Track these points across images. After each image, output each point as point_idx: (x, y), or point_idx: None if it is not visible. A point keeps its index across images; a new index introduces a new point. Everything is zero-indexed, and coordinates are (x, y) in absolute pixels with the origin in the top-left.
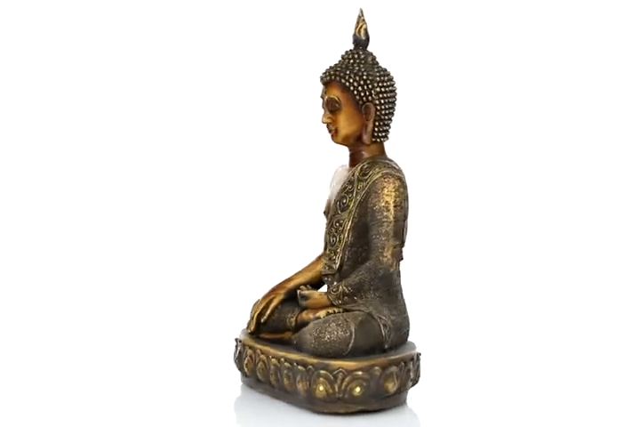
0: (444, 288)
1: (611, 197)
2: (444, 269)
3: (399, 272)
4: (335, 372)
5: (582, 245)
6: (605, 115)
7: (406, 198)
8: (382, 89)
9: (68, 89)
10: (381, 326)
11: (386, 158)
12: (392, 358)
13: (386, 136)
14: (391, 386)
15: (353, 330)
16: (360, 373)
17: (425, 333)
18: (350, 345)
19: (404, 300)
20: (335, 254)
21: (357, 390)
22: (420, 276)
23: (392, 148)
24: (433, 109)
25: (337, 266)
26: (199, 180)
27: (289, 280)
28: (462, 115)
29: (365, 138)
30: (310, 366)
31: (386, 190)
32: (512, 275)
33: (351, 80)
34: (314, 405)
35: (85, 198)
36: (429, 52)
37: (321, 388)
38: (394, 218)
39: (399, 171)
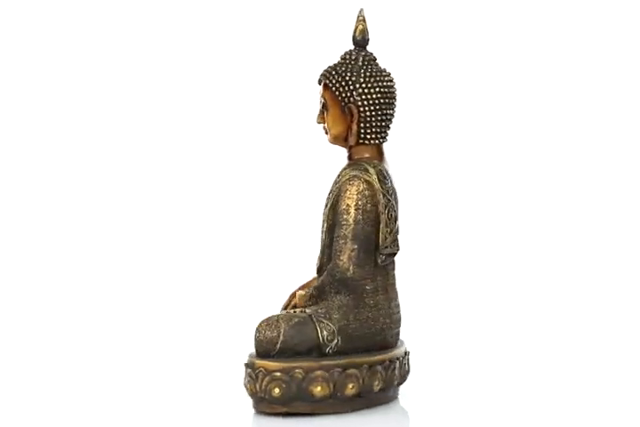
0: (437, 287)
1: (610, 197)
2: (436, 268)
3: (376, 276)
4: (257, 371)
5: (577, 243)
6: (605, 115)
7: (371, 202)
8: (365, 90)
9: (65, 89)
10: (319, 329)
11: (368, 161)
12: (323, 362)
13: (376, 138)
14: (318, 390)
15: (282, 331)
16: (279, 374)
17: (417, 330)
18: (278, 345)
19: (382, 305)
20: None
21: (276, 390)
22: (414, 274)
23: (395, 148)
24: (436, 109)
25: (317, 267)
26: (201, 184)
27: (309, 282)
28: (465, 114)
29: (350, 139)
30: (245, 365)
31: (348, 193)
32: (503, 272)
33: (334, 81)
34: (253, 403)
35: (85, 200)
36: (432, 52)
37: (248, 386)
38: (353, 221)
39: (370, 173)
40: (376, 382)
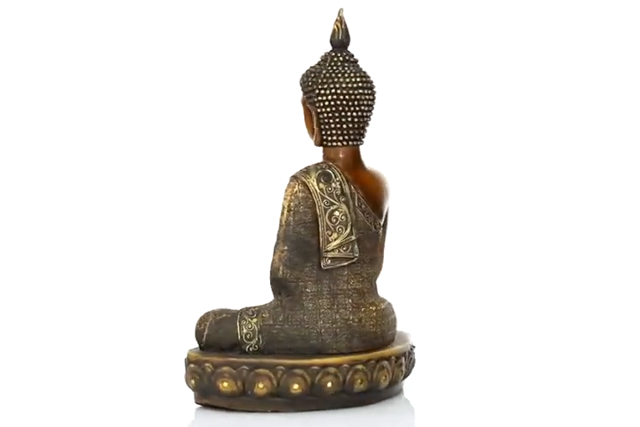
0: (440, 282)
1: (604, 196)
2: (437, 265)
3: (321, 280)
4: (185, 361)
5: (572, 242)
6: (592, 113)
7: (305, 204)
8: (322, 92)
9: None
10: (239, 327)
11: (326, 162)
12: (231, 359)
13: (337, 141)
14: (225, 386)
15: (207, 325)
16: (193, 366)
17: (420, 326)
18: (204, 339)
19: (325, 309)
20: None
21: (192, 382)
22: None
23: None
24: (422, 109)
25: None
26: (195, 187)
27: None
28: (448, 112)
29: (313, 141)
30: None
31: (284, 194)
32: (504, 271)
33: (302, 82)
34: None
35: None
36: (413, 53)
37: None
38: (285, 222)
39: (309, 175)
40: (295, 386)
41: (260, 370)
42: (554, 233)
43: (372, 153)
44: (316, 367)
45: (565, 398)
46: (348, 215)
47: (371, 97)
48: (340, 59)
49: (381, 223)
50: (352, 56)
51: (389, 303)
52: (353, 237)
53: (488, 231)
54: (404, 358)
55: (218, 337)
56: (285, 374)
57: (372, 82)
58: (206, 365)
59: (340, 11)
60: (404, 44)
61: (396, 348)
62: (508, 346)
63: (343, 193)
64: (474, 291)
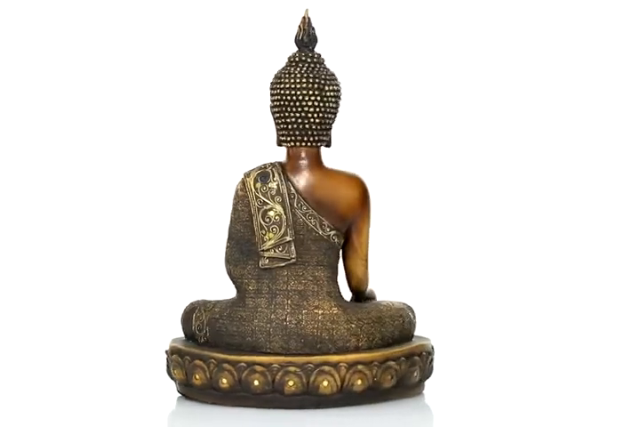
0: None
1: (600, 194)
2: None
3: (262, 278)
4: None
5: (566, 243)
6: (570, 116)
7: (242, 202)
8: (272, 92)
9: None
10: (194, 319)
11: (274, 162)
12: (181, 347)
13: (284, 141)
14: (176, 373)
15: (180, 315)
16: (165, 353)
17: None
18: (182, 329)
19: (262, 309)
20: None
21: (175, 372)
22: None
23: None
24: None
25: None
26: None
27: None
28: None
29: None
30: None
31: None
32: (511, 272)
33: None
34: None
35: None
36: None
37: None
38: (229, 219)
39: (249, 174)
40: (224, 380)
41: (197, 361)
42: (552, 235)
43: (372, 154)
44: (243, 364)
45: (572, 396)
46: (283, 216)
47: (316, 98)
48: (296, 59)
49: (335, 227)
50: (311, 57)
51: (361, 311)
52: (288, 238)
53: (493, 232)
54: (366, 367)
55: (183, 327)
56: (216, 368)
57: (321, 83)
58: (166, 351)
59: (306, 11)
60: (381, 44)
61: (350, 356)
62: (514, 349)
63: (279, 193)
64: (483, 295)
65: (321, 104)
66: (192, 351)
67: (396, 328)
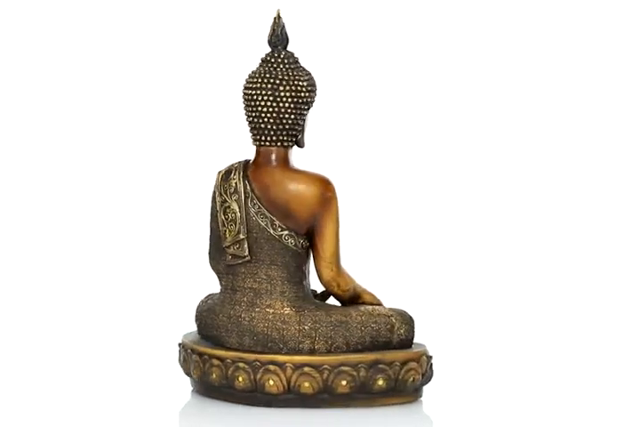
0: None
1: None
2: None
3: (228, 275)
4: None
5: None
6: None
7: (212, 199)
8: (243, 91)
9: None
10: (196, 308)
11: (242, 160)
12: (183, 337)
13: (253, 140)
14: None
15: None
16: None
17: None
18: None
19: (225, 305)
20: None
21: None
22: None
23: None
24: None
25: None
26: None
27: None
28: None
29: None
30: None
31: None
32: (509, 275)
33: None
34: None
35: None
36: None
37: None
38: None
39: (221, 171)
40: (195, 371)
41: (184, 350)
42: (547, 238)
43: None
44: (205, 356)
45: (570, 401)
46: (238, 213)
47: (269, 98)
48: (262, 59)
49: (288, 227)
50: (276, 57)
51: (321, 313)
52: (241, 236)
53: (489, 236)
54: (315, 370)
55: None
56: (189, 358)
57: (276, 83)
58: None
59: (277, 11)
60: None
61: (298, 357)
62: (508, 357)
63: (237, 191)
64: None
65: (274, 104)
66: (184, 341)
67: (366, 334)
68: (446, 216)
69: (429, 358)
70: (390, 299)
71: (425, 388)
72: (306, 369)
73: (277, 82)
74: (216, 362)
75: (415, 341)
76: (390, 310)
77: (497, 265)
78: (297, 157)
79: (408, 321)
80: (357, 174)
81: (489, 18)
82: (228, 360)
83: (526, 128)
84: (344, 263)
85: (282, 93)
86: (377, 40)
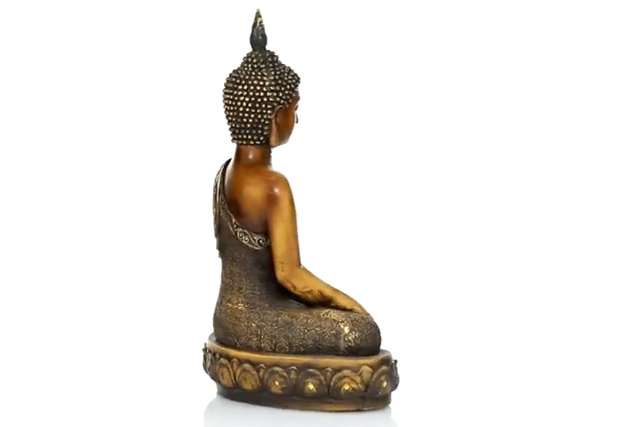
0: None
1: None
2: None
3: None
4: None
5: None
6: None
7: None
8: (223, 91)
9: None
10: None
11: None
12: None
13: (235, 139)
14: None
15: None
16: None
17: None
18: None
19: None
20: None
21: None
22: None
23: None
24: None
25: None
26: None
27: None
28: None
29: None
30: None
31: None
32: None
33: None
34: None
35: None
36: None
37: None
38: None
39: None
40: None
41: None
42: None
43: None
44: (203, 347)
45: (544, 405)
46: (214, 209)
47: (227, 97)
48: (244, 59)
49: (241, 225)
50: (246, 57)
51: (272, 313)
52: (215, 231)
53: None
54: (253, 367)
55: None
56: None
57: (235, 82)
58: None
59: (256, 12)
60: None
61: (242, 353)
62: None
63: (215, 187)
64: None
65: (232, 103)
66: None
67: (309, 337)
68: (432, 218)
69: (377, 368)
70: (368, 305)
71: (396, 395)
72: (245, 366)
73: (238, 81)
74: (203, 352)
75: (386, 348)
76: (347, 316)
77: (478, 267)
78: (287, 157)
79: (363, 329)
80: (342, 174)
81: (481, 14)
82: (205, 350)
83: (523, 127)
84: (317, 264)
85: (238, 93)
86: (367, 38)
